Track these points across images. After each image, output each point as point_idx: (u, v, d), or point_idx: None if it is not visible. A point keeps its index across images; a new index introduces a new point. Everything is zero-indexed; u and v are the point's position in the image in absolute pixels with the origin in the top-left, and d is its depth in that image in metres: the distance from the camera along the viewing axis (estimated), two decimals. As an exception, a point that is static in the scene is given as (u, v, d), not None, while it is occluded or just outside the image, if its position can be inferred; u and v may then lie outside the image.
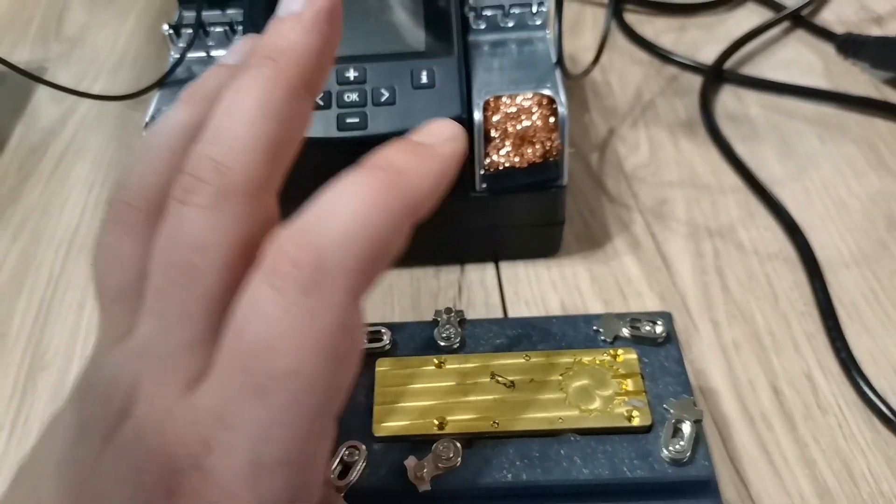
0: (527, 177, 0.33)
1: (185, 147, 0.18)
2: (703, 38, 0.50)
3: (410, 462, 0.23)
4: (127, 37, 0.54)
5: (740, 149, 0.42)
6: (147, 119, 0.33)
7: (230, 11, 0.36)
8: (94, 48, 0.53)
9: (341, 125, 0.32)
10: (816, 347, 0.33)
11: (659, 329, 0.26)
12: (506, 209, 0.35)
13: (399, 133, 0.32)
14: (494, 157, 0.33)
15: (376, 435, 0.24)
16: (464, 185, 0.34)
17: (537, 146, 0.32)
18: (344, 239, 0.16)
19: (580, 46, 0.50)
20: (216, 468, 0.15)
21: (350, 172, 0.17)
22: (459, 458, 0.23)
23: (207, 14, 0.36)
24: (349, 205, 0.16)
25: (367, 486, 0.23)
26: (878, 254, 0.36)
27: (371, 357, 0.26)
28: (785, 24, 0.50)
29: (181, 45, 0.36)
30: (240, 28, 0.36)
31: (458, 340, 0.27)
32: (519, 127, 0.32)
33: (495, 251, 0.38)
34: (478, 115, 0.32)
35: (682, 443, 0.23)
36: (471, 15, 0.36)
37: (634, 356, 0.26)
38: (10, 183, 0.43)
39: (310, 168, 0.33)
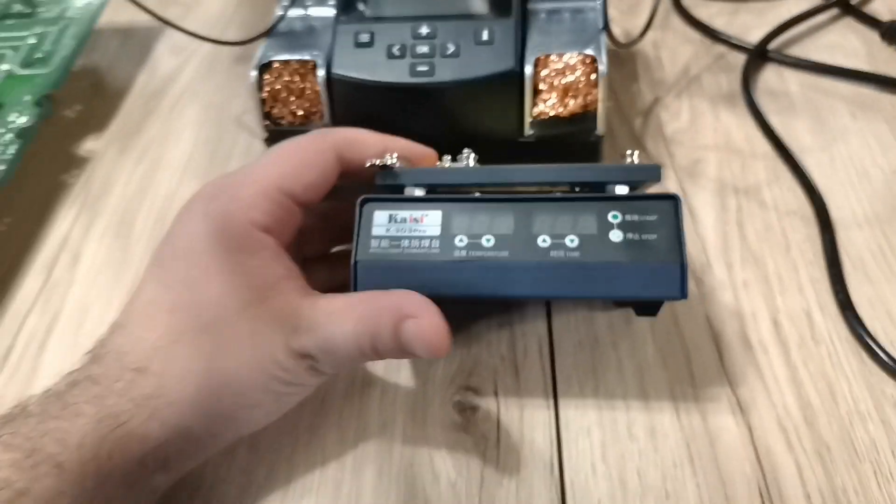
0: (569, 125, 0.38)
1: None
2: (753, 22, 0.53)
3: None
4: (236, 3, 0.61)
5: (775, 120, 0.45)
6: (254, 64, 0.40)
7: (327, -24, 0.43)
8: (207, 12, 0.61)
9: (412, 72, 0.38)
10: (818, 291, 0.37)
11: None
12: (550, 157, 0.40)
13: (461, 81, 0.38)
14: (541, 107, 0.38)
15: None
16: (513, 132, 0.39)
17: (578, 98, 0.37)
18: None
19: (637, 25, 0.54)
20: None
21: None
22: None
23: (308, -22, 0.43)
24: None
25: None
26: (891, 217, 0.40)
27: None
28: (834, 12, 0.53)
29: (285, 3, 0.43)
30: (334, -10, 0.42)
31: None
32: (564, 81, 0.37)
33: (540, 195, 0.43)
34: (528, 70, 0.37)
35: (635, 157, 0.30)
36: (531, -15, 0.41)
37: None
38: (136, 118, 0.51)
39: (385, 107, 0.39)
